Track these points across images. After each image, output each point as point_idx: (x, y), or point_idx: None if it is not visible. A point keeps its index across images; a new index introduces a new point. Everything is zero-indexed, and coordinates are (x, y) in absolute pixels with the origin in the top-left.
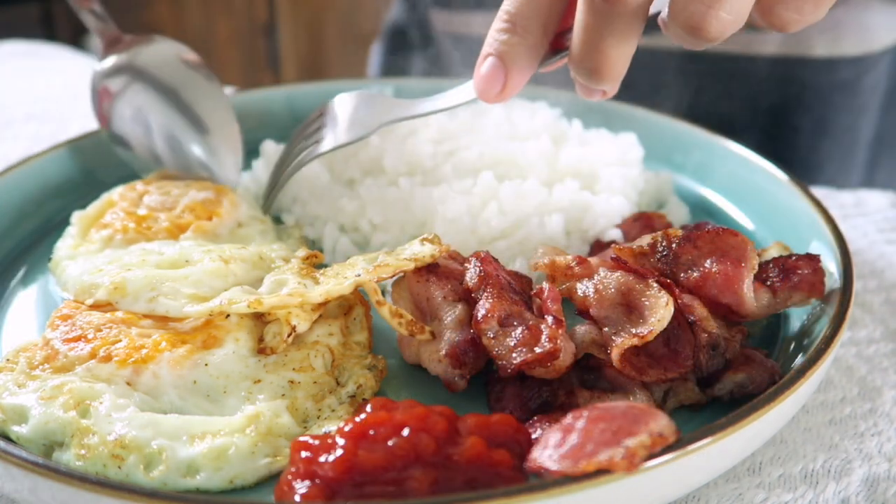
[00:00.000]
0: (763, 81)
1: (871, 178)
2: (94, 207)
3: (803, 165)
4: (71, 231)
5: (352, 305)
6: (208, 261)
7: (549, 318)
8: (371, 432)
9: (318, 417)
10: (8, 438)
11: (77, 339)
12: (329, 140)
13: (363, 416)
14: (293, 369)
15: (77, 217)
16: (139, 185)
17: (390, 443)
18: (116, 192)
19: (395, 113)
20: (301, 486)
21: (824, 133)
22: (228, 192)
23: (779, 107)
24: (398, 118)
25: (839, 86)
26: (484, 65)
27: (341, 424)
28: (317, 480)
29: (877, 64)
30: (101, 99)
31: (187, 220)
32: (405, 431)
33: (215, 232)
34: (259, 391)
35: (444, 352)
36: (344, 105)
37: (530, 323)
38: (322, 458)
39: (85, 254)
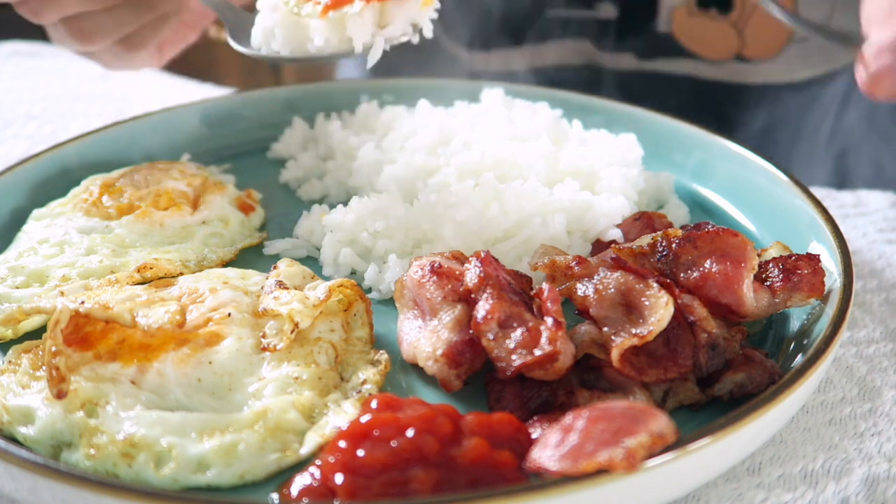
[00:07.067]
0: (750, 105)
1: (843, 173)
2: (108, 175)
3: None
4: (73, 189)
5: (351, 302)
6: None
7: (549, 320)
8: (375, 433)
9: (324, 413)
10: (13, 439)
11: (80, 339)
12: None
13: (368, 416)
14: (297, 365)
15: (90, 178)
16: (145, 165)
17: (394, 443)
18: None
19: None
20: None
21: (798, 139)
22: (213, 190)
23: (762, 124)
24: None
25: (811, 98)
26: None
27: (348, 419)
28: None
29: (841, 74)
30: None
31: (138, 205)
32: (410, 433)
33: (162, 222)
34: (264, 387)
35: (440, 352)
36: None
37: (530, 325)
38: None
39: (58, 214)
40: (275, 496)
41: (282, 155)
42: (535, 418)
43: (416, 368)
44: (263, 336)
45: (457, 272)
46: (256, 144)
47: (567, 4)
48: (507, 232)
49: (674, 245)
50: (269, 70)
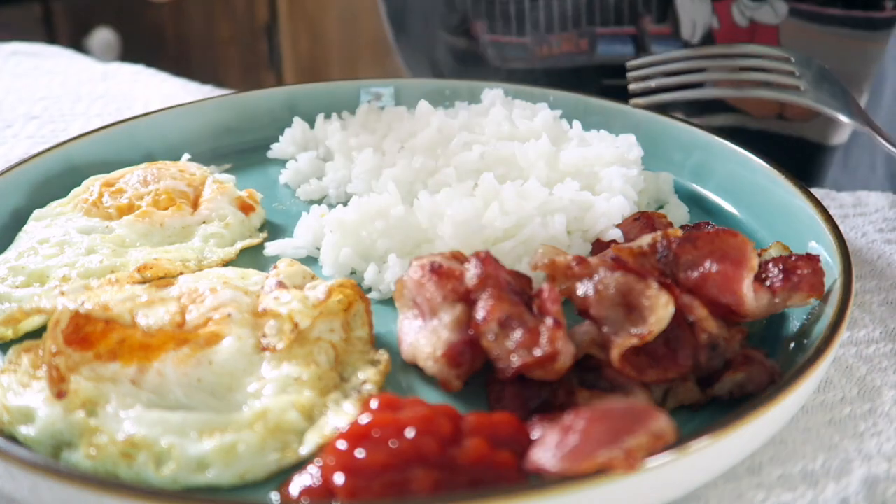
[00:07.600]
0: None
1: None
2: (108, 176)
3: None
4: (74, 190)
5: (351, 302)
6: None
7: (549, 320)
8: (374, 434)
9: (324, 413)
10: (14, 439)
11: (80, 339)
12: None
13: (368, 416)
14: (297, 365)
15: (90, 178)
16: (145, 165)
17: (393, 444)
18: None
19: None
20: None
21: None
22: (213, 190)
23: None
24: None
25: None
26: None
27: (349, 419)
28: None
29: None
30: None
31: (138, 205)
32: (409, 433)
33: (162, 222)
34: (264, 387)
35: (440, 352)
36: None
37: (530, 325)
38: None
39: (58, 214)
40: (275, 496)
41: (282, 155)
42: (535, 418)
43: (416, 368)
44: (263, 336)
45: (457, 272)
46: (256, 144)
47: (619, 74)
48: (507, 232)
49: (674, 245)
50: (269, 71)
